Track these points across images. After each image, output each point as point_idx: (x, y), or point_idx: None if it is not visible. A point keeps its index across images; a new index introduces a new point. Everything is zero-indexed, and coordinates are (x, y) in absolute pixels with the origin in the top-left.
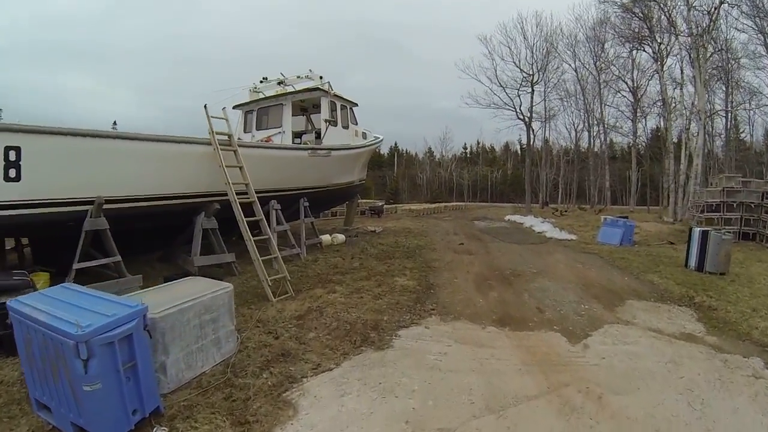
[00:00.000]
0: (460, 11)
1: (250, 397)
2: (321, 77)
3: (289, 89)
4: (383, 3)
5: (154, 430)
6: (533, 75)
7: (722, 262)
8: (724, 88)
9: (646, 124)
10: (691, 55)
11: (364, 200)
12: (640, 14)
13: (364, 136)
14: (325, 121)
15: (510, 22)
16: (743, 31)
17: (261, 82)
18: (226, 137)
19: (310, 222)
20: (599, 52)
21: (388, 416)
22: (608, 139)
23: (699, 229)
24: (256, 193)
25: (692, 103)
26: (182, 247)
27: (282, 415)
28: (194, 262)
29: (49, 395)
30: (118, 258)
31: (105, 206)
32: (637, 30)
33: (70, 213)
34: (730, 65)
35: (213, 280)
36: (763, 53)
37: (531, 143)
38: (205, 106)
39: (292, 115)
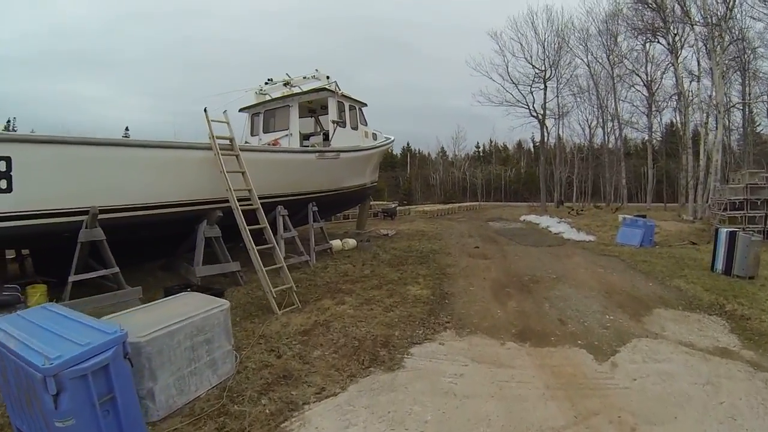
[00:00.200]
0: (470, 8)
1: (245, 429)
2: (328, 77)
3: (296, 90)
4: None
5: None
6: (545, 71)
7: (751, 265)
8: (740, 80)
9: (661, 119)
10: (707, 46)
11: (377, 202)
12: (653, 4)
13: (375, 136)
14: (333, 122)
15: (520, 17)
16: (759, 20)
17: (266, 83)
18: (227, 141)
19: (319, 227)
20: (612, 45)
21: None
22: (623, 135)
23: (726, 229)
24: (262, 198)
25: (709, 96)
26: (185, 256)
27: None
28: (196, 272)
29: (28, 425)
30: (116, 269)
31: (101, 216)
32: (650, 21)
33: (65, 224)
34: (746, 55)
35: (209, 296)
36: None
37: (545, 141)
38: (204, 110)
39: (300, 117)
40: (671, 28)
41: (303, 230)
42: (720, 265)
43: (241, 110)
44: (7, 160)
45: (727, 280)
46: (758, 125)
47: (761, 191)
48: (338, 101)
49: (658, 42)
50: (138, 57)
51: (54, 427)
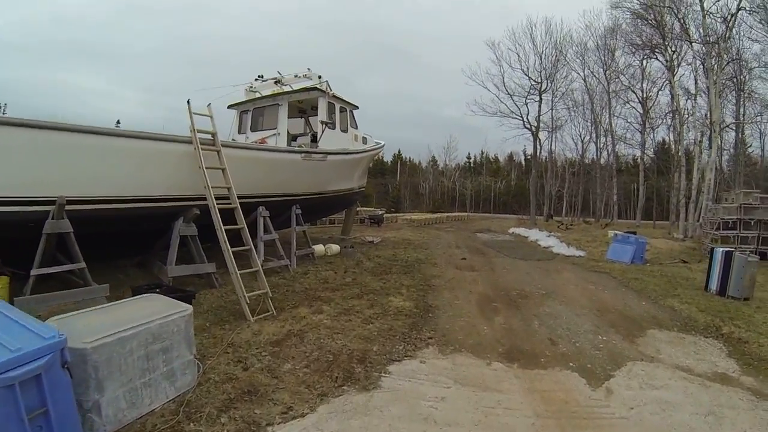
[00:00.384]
0: (470, 18)
1: None
2: (320, 77)
3: (286, 89)
4: (390, 8)
5: None
6: (541, 83)
7: (747, 287)
8: (734, 101)
9: (654, 137)
10: (705, 65)
11: (364, 208)
12: (652, 21)
13: (365, 140)
14: (322, 122)
15: (519, 28)
16: (756, 41)
17: (256, 80)
18: (209, 136)
19: (302, 231)
20: (609, 61)
21: None
22: (616, 150)
23: (722, 249)
24: (243, 198)
25: (705, 115)
26: (160, 254)
27: None
28: (168, 272)
29: None
30: (83, 265)
31: (70, 208)
32: (649, 38)
33: (29, 213)
34: (742, 76)
35: (172, 300)
36: None
37: (537, 153)
38: (188, 102)
39: (290, 117)
40: (669, 45)
41: (285, 233)
42: (714, 285)
43: (229, 107)
44: None
45: (722, 301)
46: (749, 146)
47: (755, 212)
48: (329, 102)
49: (656, 59)
50: (138, 51)
51: None
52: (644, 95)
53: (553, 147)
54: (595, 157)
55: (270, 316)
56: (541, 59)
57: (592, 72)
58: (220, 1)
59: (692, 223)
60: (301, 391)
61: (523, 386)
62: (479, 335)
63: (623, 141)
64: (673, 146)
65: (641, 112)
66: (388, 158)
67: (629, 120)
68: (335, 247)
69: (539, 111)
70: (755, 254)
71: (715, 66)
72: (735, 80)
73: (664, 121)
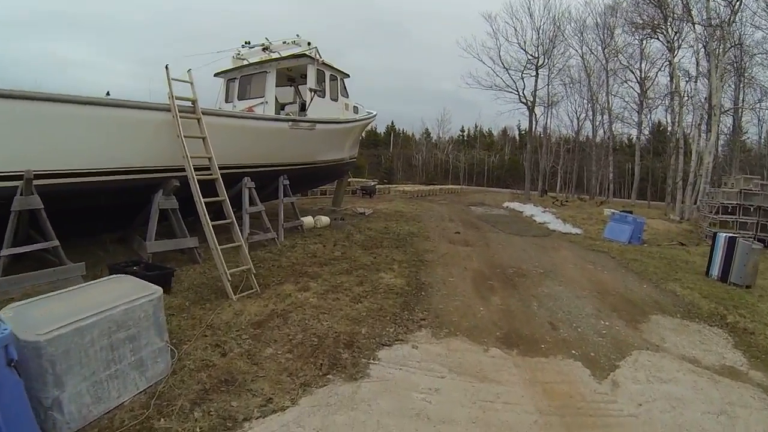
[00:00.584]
0: None
1: None
2: (309, 43)
3: (275, 56)
4: None
5: None
6: (538, 58)
7: (749, 274)
8: (733, 87)
9: (650, 117)
10: (707, 48)
11: (356, 179)
12: (655, 0)
13: (356, 110)
14: (311, 90)
15: (517, 1)
16: (759, 28)
17: (243, 47)
18: (189, 103)
19: (290, 202)
20: (608, 39)
21: None
22: (613, 128)
23: (725, 234)
24: (228, 168)
25: (705, 98)
26: (141, 229)
27: None
28: (147, 248)
29: None
30: (56, 243)
31: (39, 182)
32: (650, 17)
33: None
34: (743, 62)
35: (141, 282)
36: None
37: (533, 128)
38: (166, 67)
39: (280, 86)
40: (671, 25)
41: (273, 205)
42: (716, 270)
43: (216, 75)
44: None
45: (724, 288)
46: (745, 132)
47: (754, 197)
48: (318, 69)
49: (657, 39)
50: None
51: None
52: (643, 75)
53: (548, 123)
54: (590, 134)
55: (254, 293)
56: (538, 34)
57: (590, 49)
58: None
59: (689, 206)
60: (282, 381)
61: (523, 377)
62: (475, 317)
63: (620, 119)
64: (670, 128)
65: (639, 92)
66: (381, 129)
67: (626, 99)
68: (325, 219)
69: (536, 86)
70: (755, 240)
71: (719, 50)
72: (735, 65)
73: (663, 102)
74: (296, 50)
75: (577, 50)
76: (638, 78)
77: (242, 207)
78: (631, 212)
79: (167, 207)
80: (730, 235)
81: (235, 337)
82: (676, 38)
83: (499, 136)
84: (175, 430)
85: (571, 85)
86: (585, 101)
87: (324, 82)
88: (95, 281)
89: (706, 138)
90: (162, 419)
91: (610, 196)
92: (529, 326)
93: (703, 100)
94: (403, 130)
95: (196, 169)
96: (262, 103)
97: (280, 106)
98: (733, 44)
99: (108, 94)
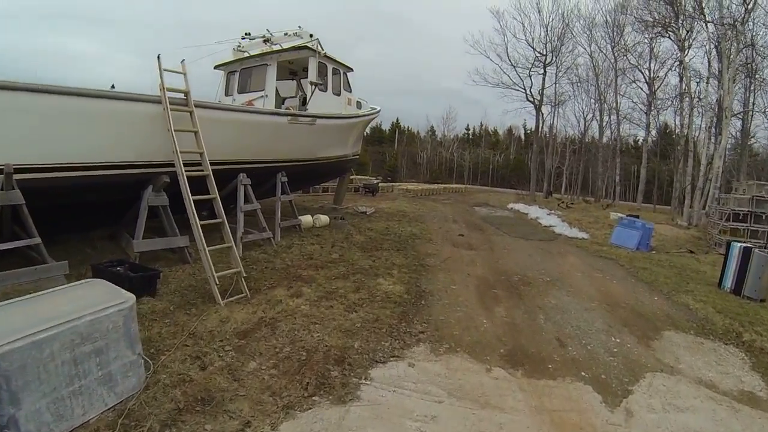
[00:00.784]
0: None
1: None
2: (311, 35)
3: (276, 48)
4: None
5: None
6: (546, 55)
7: (765, 288)
8: (743, 89)
9: (658, 119)
10: (719, 48)
11: (359, 176)
12: None
13: (359, 105)
14: (311, 83)
15: None
16: None
17: (243, 38)
18: (182, 95)
19: (288, 200)
20: (617, 38)
21: None
22: (620, 129)
23: (739, 244)
24: (222, 164)
25: (716, 100)
26: (130, 226)
27: None
28: (134, 247)
29: None
30: (38, 240)
31: (20, 176)
32: (661, 14)
33: None
34: (755, 63)
35: (114, 288)
36: None
37: (540, 128)
38: (158, 57)
39: (281, 79)
40: (683, 23)
41: (271, 203)
42: (729, 282)
43: (216, 67)
44: None
45: (738, 302)
46: (752, 136)
47: (766, 205)
48: (320, 62)
49: (669, 37)
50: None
51: None
52: (652, 75)
53: (555, 122)
54: (597, 135)
55: (243, 298)
56: (546, 31)
57: (599, 47)
58: None
59: (697, 211)
60: (264, 401)
61: (529, 403)
62: (478, 331)
63: (628, 120)
64: (678, 130)
65: (647, 92)
66: (386, 127)
67: (634, 100)
68: (324, 218)
69: (543, 84)
70: (765, 249)
71: (732, 49)
72: (747, 67)
73: (672, 103)
74: (298, 42)
75: (585, 48)
76: (647, 78)
77: (237, 204)
78: (637, 216)
79: (157, 204)
80: (745, 245)
81: (217, 348)
82: (687, 37)
83: (504, 135)
84: None
85: (579, 84)
86: (592, 101)
87: (326, 75)
88: (64, 286)
89: (716, 141)
90: None
91: (616, 199)
92: (535, 342)
93: (713, 102)
94: (408, 127)
95: (188, 165)
96: (262, 96)
97: (282, 101)
98: (745, 45)
99: (113, 87)
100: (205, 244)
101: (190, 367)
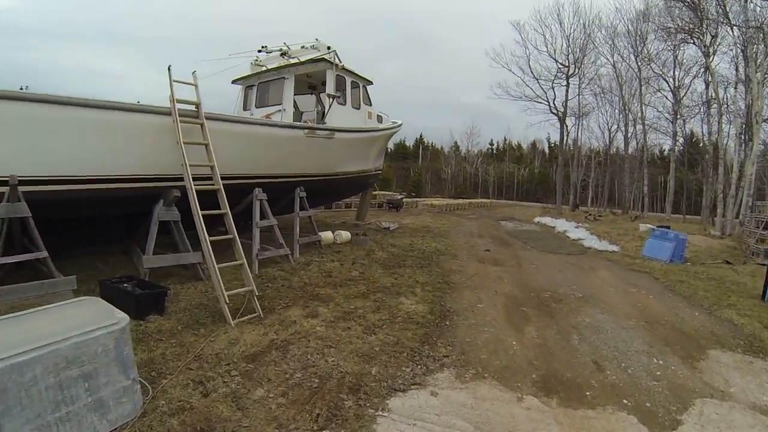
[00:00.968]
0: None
1: None
2: (329, 47)
3: (294, 62)
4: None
5: None
6: (569, 66)
7: None
8: None
9: (684, 127)
10: (746, 52)
11: (383, 192)
12: (690, 2)
13: (380, 119)
14: (329, 96)
15: (545, 8)
16: None
17: (260, 51)
18: (192, 107)
19: (307, 216)
20: (640, 47)
21: None
22: (646, 139)
23: None
24: (237, 179)
25: (745, 106)
26: (143, 241)
27: None
28: (144, 263)
29: None
30: (44, 254)
31: (28, 189)
32: (685, 21)
33: None
34: None
35: (108, 307)
36: None
37: (564, 140)
38: (168, 68)
39: (300, 93)
40: (708, 28)
41: (290, 219)
42: None
43: (234, 82)
44: None
45: None
46: None
47: None
48: (337, 75)
49: (694, 43)
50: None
51: None
52: (676, 84)
53: (579, 135)
54: (622, 146)
55: (255, 318)
56: (568, 42)
57: (621, 57)
58: None
59: (730, 220)
60: None
61: None
62: (507, 354)
63: (655, 129)
64: (705, 138)
65: (673, 101)
66: (409, 143)
67: (659, 109)
68: (345, 235)
69: (566, 96)
70: None
71: (759, 52)
72: None
73: (699, 111)
74: (315, 55)
75: (608, 58)
76: (672, 87)
77: (252, 220)
78: (668, 227)
79: (168, 219)
80: None
81: (223, 372)
82: (712, 42)
83: (528, 149)
84: None
85: (602, 95)
86: (617, 111)
87: (344, 88)
88: (57, 304)
89: (746, 147)
90: None
91: (645, 210)
92: (570, 366)
93: (742, 108)
94: (432, 143)
95: (199, 179)
96: (279, 110)
97: (300, 115)
98: None
99: (138, 103)
100: (214, 261)
101: (192, 393)
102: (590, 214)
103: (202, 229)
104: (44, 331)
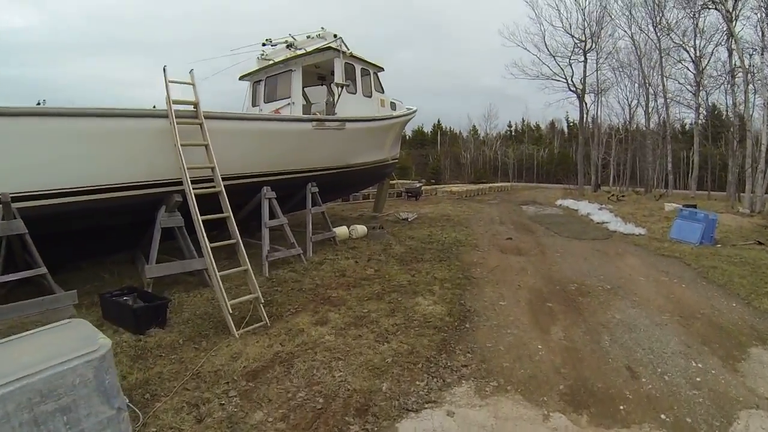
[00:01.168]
0: None
1: None
2: (335, 35)
3: (300, 53)
4: None
5: None
6: (585, 41)
7: None
8: None
9: (707, 100)
10: None
11: (402, 180)
12: None
13: (393, 106)
14: (337, 85)
15: None
16: None
17: (264, 44)
18: (191, 107)
19: (320, 212)
20: (659, 16)
21: None
22: (669, 114)
23: None
24: (244, 177)
25: None
26: (147, 249)
27: None
28: (147, 272)
29: None
30: (43, 270)
31: (24, 205)
32: None
33: None
34: None
35: (95, 330)
36: None
37: (584, 118)
38: (163, 69)
39: (310, 85)
40: None
41: (303, 216)
42: None
43: (241, 78)
44: None
45: None
46: None
47: None
48: (346, 62)
49: (716, 8)
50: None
51: None
52: (698, 53)
53: (598, 112)
54: (644, 121)
55: (261, 327)
56: (584, 16)
57: (640, 28)
58: None
59: (760, 196)
60: None
61: None
62: (532, 360)
63: (677, 101)
64: (729, 110)
65: (694, 72)
66: (427, 129)
67: (681, 81)
68: (361, 229)
69: (584, 72)
70: None
71: None
72: None
73: (723, 81)
74: (321, 44)
75: (626, 30)
76: (693, 57)
77: (261, 220)
78: (695, 206)
79: (171, 225)
80: None
81: (220, 393)
82: (734, 6)
83: (547, 129)
84: None
85: (621, 69)
86: (636, 86)
87: (354, 76)
88: (37, 330)
89: None
90: None
91: (670, 188)
92: (601, 374)
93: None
94: (450, 128)
95: (201, 181)
96: (288, 104)
97: (311, 107)
98: None
99: (154, 108)
100: (216, 269)
101: (186, 417)
102: (613, 194)
103: (203, 234)
104: (18, 363)
